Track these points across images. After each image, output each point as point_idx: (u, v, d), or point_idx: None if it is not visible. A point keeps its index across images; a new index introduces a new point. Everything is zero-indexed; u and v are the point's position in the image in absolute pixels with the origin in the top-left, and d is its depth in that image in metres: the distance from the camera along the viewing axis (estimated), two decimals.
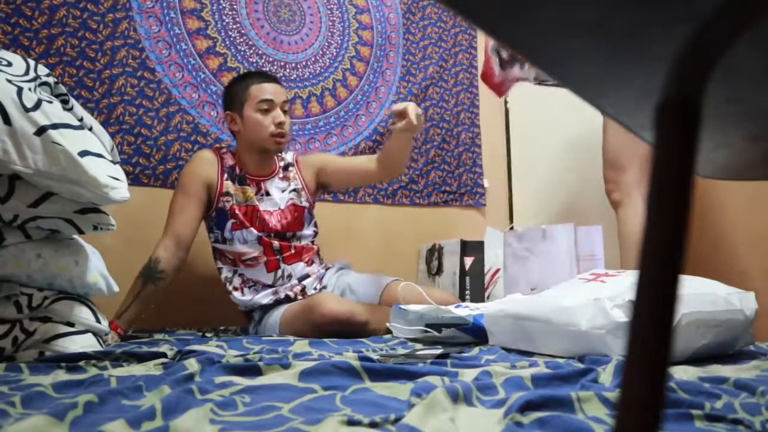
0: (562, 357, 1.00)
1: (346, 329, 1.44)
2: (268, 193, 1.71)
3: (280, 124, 1.63)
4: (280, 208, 1.71)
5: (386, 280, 1.75)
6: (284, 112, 1.67)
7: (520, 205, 2.74)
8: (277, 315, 1.61)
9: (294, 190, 1.75)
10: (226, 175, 1.65)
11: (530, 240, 1.92)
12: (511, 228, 2.46)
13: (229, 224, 1.64)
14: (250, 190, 1.67)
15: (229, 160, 1.68)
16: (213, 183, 1.63)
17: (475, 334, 1.24)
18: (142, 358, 0.95)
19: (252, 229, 1.64)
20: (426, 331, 1.31)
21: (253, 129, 1.64)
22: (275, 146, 1.67)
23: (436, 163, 2.56)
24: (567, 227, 1.81)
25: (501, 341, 1.15)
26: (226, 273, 1.67)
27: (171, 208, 1.60)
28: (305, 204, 1.76)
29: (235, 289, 1.66)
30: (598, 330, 0.95)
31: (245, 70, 2.09)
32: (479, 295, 2.06)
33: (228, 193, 1.64)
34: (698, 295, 0.98)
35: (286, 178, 1.76)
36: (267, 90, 1.65)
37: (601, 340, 0.95)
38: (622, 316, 0.93)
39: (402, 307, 1.40)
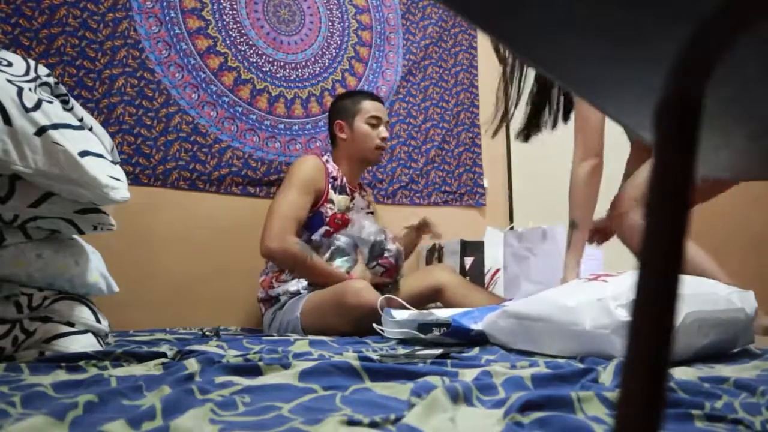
0: (564, 357, 1.00)
1: (374, 317, 1.45)
2: (355, 204, 1.87)
3: (384, 139, 1.85)
4: None
5: None
6: (386, 129, 1.88)
7: (520, 205, 2.74)
8: (303, 299, 1.65)
9: (371, 212, 1.94)
10: (329, 184, 1.78)
11: (530, 240, 1.92)
12: (511, 228, 2.46)
13: (322, 230, 1.75)
14: (348, 200, 1.82)
15: (331, 169, 1.81)
16: (321, 190, 1.76)
17: (458, 335, 1.22)
18: (142, 358, 0.95)
19: None
20: (414, 333, 1.29)
21: (361, 139, 1.82)
22: (377, 158, 1.87)
23: (436, 163, 2.56)
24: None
25: (501, 342, 1.15)
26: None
27: (290, 203, 1.68)
28: None
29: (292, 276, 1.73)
30: (602, 330, 0.95)
31: (245, 70, 2.09)
32: None
33: (332, 201, 1.76)
34: (700, 295, 0.98)
35: (365, 198, 1.94)
36: (377, 108, 1.85)
37: (605, 340, 0.95)
38: (626, 316, 0.93)
39: (391, 311, 1.40)
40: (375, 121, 1.83)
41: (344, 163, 1.86)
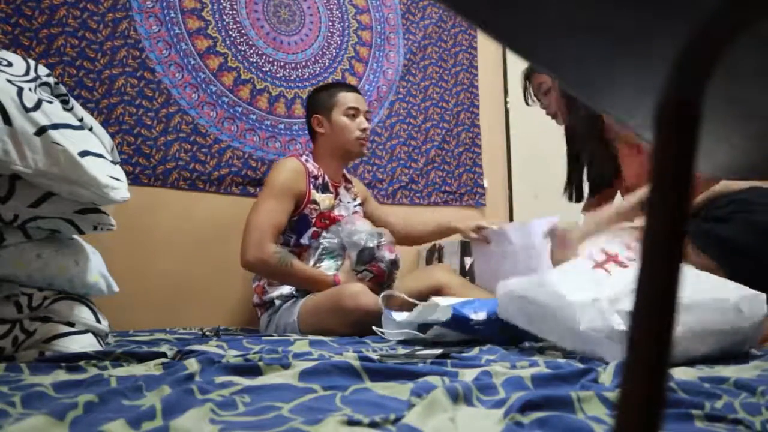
0: (564, 348, 1.01)
1: (372, 319, 1.45)
2: (341, 200, 1.83)
3: (364, 130, 1.79)
4: (350, 214, 1.84)
5: None
6: (366, 120, 1.82)
7: (520, 205, 2.74)
8: (299, 302, 1.65)
9: (360, 203, 1.91)
10: (311, 185, 1.74)
11: (507, 235, 1.90)
12: None
13: (309, 231, 1.73)
14: (332, 197, 1.79)
15: (312, 169, 1.76)
16: (302, 193, 1.72)
17: (460, 328, 1.20)
18: (142, 358, 0.95)
19: None
20: (415, 334, 1.27)
21: (340, 132, 1.77)
22: (359, 149, 1.80)
23: (436, 163, 2.56)
24: (542, 222, 1.80)
25: (513, 319, 1.13)
26: None
27: (267, 212, 1.65)
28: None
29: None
30: (596, 333, 0.95)
31: (245, 70, 2.09)
32: None
33: (315, 202, 1.73)
34: (707, 304, 0.96)
35: (351, 191, 1.90)
36: (354, 98, 1.79)
37: (598, 342, 0.94)
38: (620, 324, 0.92)
39: (393, 313, 1.36)
40: (353, 112, 1.77)
41: (326, 158, 1.81)
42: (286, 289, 1.70)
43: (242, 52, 2.10)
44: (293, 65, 2.22)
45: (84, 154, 0.98)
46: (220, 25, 2.07)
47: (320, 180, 1.77)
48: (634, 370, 0.22)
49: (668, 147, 0.22)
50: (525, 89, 1.77)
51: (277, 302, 1.70)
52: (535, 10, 0.22)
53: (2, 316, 0.99)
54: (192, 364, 0.80)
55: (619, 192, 1.78)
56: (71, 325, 1.07)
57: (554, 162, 2.58)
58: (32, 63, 1.07)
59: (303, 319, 1.60)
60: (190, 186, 1.94)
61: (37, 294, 1.04)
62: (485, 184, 2.70)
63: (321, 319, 1.55)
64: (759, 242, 1.28)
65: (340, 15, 2.38)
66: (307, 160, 1.78)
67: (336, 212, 1.80)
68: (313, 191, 1.74)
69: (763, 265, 1.24)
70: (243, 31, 2.11)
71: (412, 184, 2.48)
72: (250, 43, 2.12)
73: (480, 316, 1.20)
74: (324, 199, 1.76)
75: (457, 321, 1.20)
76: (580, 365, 0.86)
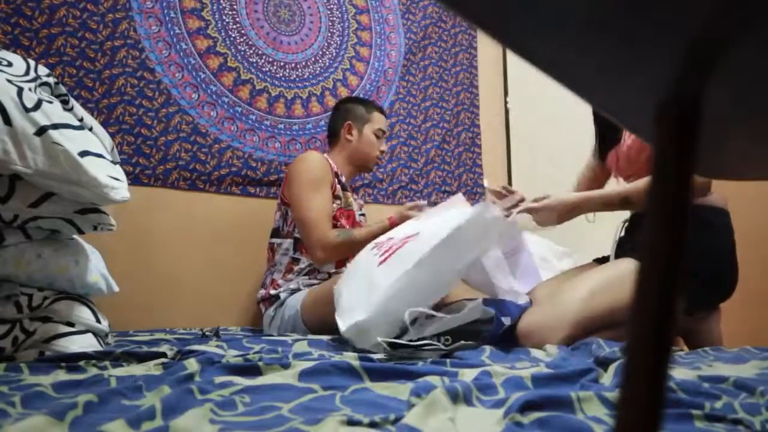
0: None
1: None
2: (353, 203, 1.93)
3: (382, 152, 1.97)
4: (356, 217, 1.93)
5: None
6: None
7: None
8: (302, 294, 1.69)
9: (363, 213, 1.99)
10: (335, 179, 1.83)
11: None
12: None
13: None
14: (350, 196, 1.89)
15: (333, 166, 1.85)
16: (332, 185, 1.81)
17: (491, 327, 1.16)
18: (142, 358, 0.95)
19: None
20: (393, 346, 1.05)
21: (367, 146, 1.92)
22: (373, 166, 1.98)
23: (436, 163, 2.56)
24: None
25: None
26: (302, 265, 1.77)
27: (317, 205, 1.72)
28: None
29: (300, 273, 1.77)
30: None
31: (245, 70, 2.09)
32: None
33: (338, 196, 1.82)
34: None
35: (357, 201, 1.98)
36: (385, 122, 1.97)
37: None
38: None
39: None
40: (381, 134, 1.94)
41: (342, 163, 1.91)
42: (293, 284, 1.74)
43: (242, 52, 2.10)
44: (293, 65, 2.22)
45: (84, 154, 0.98)
46: (220, 25, 2.06)
47: (340, 178, 1.85)
48: (634, 370, 0.22)
49: (668, 147, 0.22)
50: None
51: (283, 295, 1.72)
52: (534, 9, 0.22)
53: (2, 316, 0.99)
54: (192, 364, 0.80)
55: (613, 162, 1.60)
56: (71, 325, 1.07)
57: (554, 162, 2.58)
58: (32, 63, 1.07)
59: (306, 308, 1.63)
60: (190, 186, 1.94)
61: (37, 294, 1.04)
62: (485, 184, 2.70)
63: (325, 306, 1.56)
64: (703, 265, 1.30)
65: (340, 15, 2.37)
66: (327, 158, 1.84)
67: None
68: (338, 186, 1.82)
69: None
70: (243, 31, 2.11)
71: (412, 184, 2.48)
72: (250, 43, 2.12)
73: (506, 321, 1.21)
74: (347, 196, 1.85)
75: (497, 326, 1.18)
76: (580, 365, 0.86)
